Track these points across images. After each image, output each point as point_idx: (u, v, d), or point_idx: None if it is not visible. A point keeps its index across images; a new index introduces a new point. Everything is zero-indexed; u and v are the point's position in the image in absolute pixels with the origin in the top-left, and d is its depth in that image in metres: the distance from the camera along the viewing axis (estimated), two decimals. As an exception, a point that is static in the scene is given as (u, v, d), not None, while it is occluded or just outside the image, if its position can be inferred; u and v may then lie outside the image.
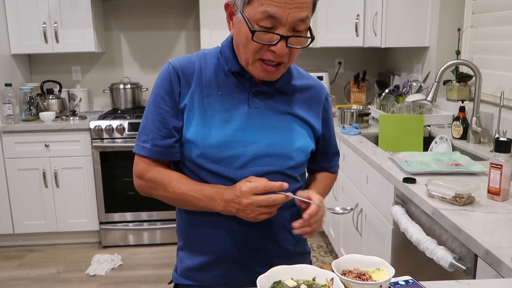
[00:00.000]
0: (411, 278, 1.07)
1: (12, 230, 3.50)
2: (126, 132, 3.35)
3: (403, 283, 1.04)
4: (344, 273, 1.01)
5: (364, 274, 0.99)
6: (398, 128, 2.68)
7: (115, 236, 3.53)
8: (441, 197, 1.57)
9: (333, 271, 0.98)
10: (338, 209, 1.11)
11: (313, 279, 1.01)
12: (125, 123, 3.36)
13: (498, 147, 1.53)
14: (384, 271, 1.02)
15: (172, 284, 1.28)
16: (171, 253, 3.41)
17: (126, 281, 3.06)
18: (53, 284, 3.03)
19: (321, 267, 1.04)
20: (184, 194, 1.09)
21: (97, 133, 3.33)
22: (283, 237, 1.18)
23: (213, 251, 1.17)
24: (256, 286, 0.95)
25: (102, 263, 3.28)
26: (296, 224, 1.06)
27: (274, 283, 0.99)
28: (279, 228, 1.17)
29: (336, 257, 3.24)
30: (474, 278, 1.34)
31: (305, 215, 1.06)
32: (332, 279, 0.98)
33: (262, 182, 1.03)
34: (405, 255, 1.90)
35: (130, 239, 3.55)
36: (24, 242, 3.59)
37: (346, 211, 1.12)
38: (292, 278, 1.00)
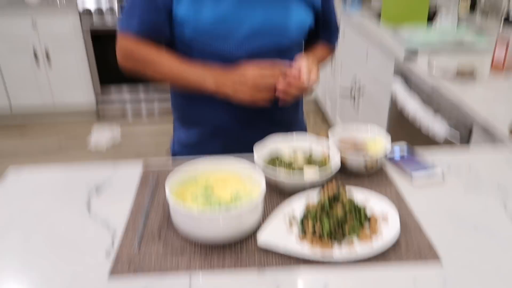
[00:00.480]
0: (406, 144, 1.08)
1: (9, 108, 3.51)
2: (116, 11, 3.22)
3: (398, 149, 1.06)
4: (340, 143, 1.02)
5: (360, 144, 1.00)
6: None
7: (114, 113, 3.57)
8: (443, 72, 1.54)
9: (329, 141, 0.99)
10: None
11: (310, 148, 1.02)
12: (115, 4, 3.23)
13: (506, 23, 1.46)
14: (381, 141, 1.03)
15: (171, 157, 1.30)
16: (170, 125, 3.46)
17: (127, 155, 3.15)
18: (55, 159, 3.13)
19: (317, 136, 1.04)
20: (175, 74, 1.04)
21: (86, 13, 3.21)
22: (280, 106, 1.17)
23: (209, 124, 1.17)
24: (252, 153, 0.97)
25: (103, 138, 3.35)
26: (280, 86, 1.01)
27: (272, 151, 1.00)
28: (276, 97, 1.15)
29: (332, 125, 3.30)
30: (468, 145, 1.37)
31: (288, 78, 1.01)
32: (328, 148, 0.99)
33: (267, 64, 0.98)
34: (401, 125, 1.92)
35: (129, 116, 3.60)
36: (22, 117, 3.63)
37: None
38: (289, 147, 1.01)
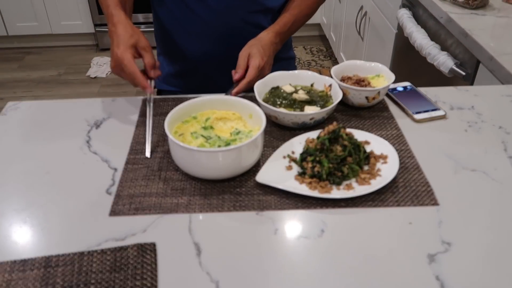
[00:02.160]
0: (410, 84, 1.06)
1: (5, 31, 3.41)
2: None
3: (401, 89, 1.04)
4: (343, 79, 0.99)
5: (363, 80, 0.97)
6: None
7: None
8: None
9: (332, 77, 0.97)
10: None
11: (311, 85, 1.00)
12: None
13: None
14: (384, 77, 1.00)
15: (156, 90, 1.28)
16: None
17: (127, 82, 3.10)
18: (55, 86, 3.09)
19: (319, 72, 1.01)
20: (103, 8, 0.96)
21: None
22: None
23: (192, 56, 1.13)
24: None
25: (102, 65, 3.28)
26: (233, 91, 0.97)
27: (272, 88, 0.98)
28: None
29: (335, 62, 3.23)
30: (471, 84, 1.33)
31: (234, 92, 0.96)
32: (330, 85, 0.96)
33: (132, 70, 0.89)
34: (405, 61, 1.87)
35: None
36: (20, 44, 3.53)
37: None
38: (290, 84, 0.99)
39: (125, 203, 0.73)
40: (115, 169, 0.80)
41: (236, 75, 0.97)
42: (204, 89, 1.05)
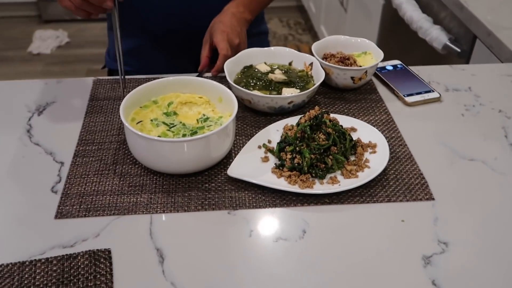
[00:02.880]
0: (400, 62, 1.06)
1: None
2: None
3: (391, 68, 1.04)
4: (325, 57, 0.98)
5: (348, 59, 0.96)
6: None
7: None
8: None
9: (312, 55, 0.96)
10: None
11: (290, 64, 0.98)
12: None
13: None
14: (371, 55, 1.00)
15: (106, 69, 1.25)
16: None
17: (76, 59, 3.03)
18: (-8, 64, 2.99)
19: (298, 49, 1.00)
20: None
21: None
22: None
23: (149, 31, 1.10)
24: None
25: (46, 40, 3.19)
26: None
27: (245, 68, 0.96)
28: (226, 2, 1.08)
29: (315, 36, 3.23)
30: (467, 63, 1.35)
31: (214, 72, 0.96)
32: (311, 64, 0.95)
33: None
34: (394, 37, 1.88)
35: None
36: None
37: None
38: (265, 63, 0.98)
39: (74, 203, 0.70)
40: (62, 163, 0.78)
41: (203, 58, 0.97)
42: (165, 70, 1.02)
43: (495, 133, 0.87)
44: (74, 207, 0.70)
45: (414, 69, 1.04)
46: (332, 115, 0.81)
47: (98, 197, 0.72)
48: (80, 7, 0.81)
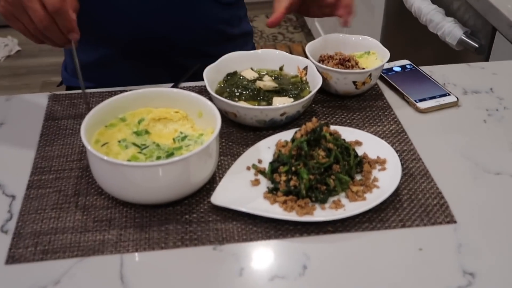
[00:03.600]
0: (409, 62, 1.06)
1: None
2: None
3: (399, 69, 1.04)
4: (322, 60, 0.99)
5: (349, 60, 0.97)
6: None
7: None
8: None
9: (307, 57, 0.96)
10: None
11: (280, 69, 0.98)
12: None
13: None
14: (376, 55, 1.00)
15: (63, 86, 1.24)
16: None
17: (28, 71, 3.03)
18: None
19: (290, 50, 1.01)
20: None
21: None
22: (210, 12, 1.10)
23: (115, 39, 1.10)
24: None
25: (-7, 49, 3.18)
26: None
27: (228, 75, 0.96)
28: (204, 1, 1.08)
29: (309, 35, 3.25)
30: (487, 60, 1.36)
31: None
32: (305, 68, 0.96)
33: None
34: (400, 32, 1.90)
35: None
36: None
37: None
38: (251, 68, 0.98)
39: (28, 244, 0.69)
40: (13, 197, 0.77)
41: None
42: (134, 82, 1.02)
43: (524, 141, 0.87)
44: (29, 249, 0.69)
45: (426, 69, 1.04)
46: (332, 128, 0.81)
47: (57, 236, 0.71)
48: (37, 35, 0.80)
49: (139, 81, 1.03)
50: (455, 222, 0.73)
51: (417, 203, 0.75)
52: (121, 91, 0.84)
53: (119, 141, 0.79)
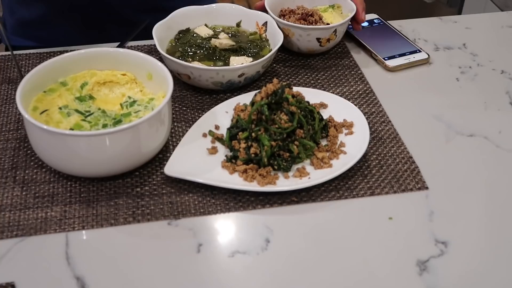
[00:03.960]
0: (377, 16, 1.06)
1: None
2: None
3: (366, 24, 1.04)
4: (283, 14, 0.98)
5: (312, 15, 0.96)
6: None
7: None
8: None
9: (266, 12, 0.95)
10: None
11: (238, 25, 0.97)
12: None
13: None
14: (341, 9, 1.00)
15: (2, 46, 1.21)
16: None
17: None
18: None
19: (248, 5, 1.00)
20: None
21: None
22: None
23: None
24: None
25: None
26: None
27: (180, 32, 0.95)
28: None
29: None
30: (460, 13, 1.37)
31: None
32: (265, 24, 0.95)
33: None
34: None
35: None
36: None
37: None
38: (206, 25, 0.97)
39: (-39, 224, 0.68)
40: None
41: None
42: (77, 39, 1.00)
43: (498, 100, 0.88)
44: (-38, 230, 0.67)
45: (395, 24, 1.05)
46: (295, 89, 0.81)
47: (-6, 214, 0.69)
48: None
49: (86, 40, 1.00)
50: (426, 188, 0.74)
51: (386, 169, 0.76)
52: (62, 52, 0.82)
53: (60, 108, 0.77)
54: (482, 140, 0.81)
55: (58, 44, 1.00)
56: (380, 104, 0.86)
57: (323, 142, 0.79)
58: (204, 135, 0.79)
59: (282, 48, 0.91)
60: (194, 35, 0.94)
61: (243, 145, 0.75)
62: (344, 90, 0.89)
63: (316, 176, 0.73)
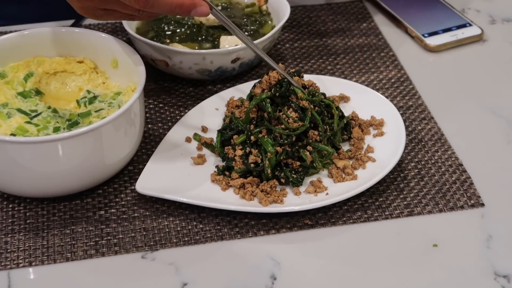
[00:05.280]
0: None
1: None
2: None
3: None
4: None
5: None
6: None
7: None
8: None
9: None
10: None
11: (230, 8, 0.97)
12: None
13: None
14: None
15: None
16: None
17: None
18: None
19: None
20: None
21: None
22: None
23: None
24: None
25: None
26: None
27: (156, 20, 0.95)
28: None
29: None
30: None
31: None
32: (266, -7, 0.95)
33: None
34: None
35: None
36: None
37: None
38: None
39: None
40: None
41: None
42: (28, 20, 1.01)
43: None
44: None
45: (438, -10, 1.05)
46: (307, 78, 0.81)
47: None
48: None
49: (36, 18, 1.02)
50: (482, 205, 0.74)
51: (429, 180, 0.76)
52: (3, 33, 0.82)
53: (1, 105, 0.77)
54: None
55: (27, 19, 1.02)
56: (420, 96, 0.87)
57: (345, 147, 0.79)
58: (188, 140, 0.80)
59: (289, 23, 0.92)
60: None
61: (239, 152, 0.75)
62: (372, 77, 0.89)
63: (336, 191, 0.73)
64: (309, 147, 0.76)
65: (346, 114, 0.81)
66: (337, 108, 0.80)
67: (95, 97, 0.79)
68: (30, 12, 1.12)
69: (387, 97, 0.84)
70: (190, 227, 0.72)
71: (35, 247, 0.70)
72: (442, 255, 0.70)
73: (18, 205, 0.74)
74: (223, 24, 0.76)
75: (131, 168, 0.77)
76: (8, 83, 0.80)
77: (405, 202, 0.74)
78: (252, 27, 0.92)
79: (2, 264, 0.68)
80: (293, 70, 0.78)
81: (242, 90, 0.84)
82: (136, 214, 0.73)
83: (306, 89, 0.78)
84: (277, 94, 0.76)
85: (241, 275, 0.68)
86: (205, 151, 0.79)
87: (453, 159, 0.79)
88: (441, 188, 0.76)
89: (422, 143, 0.81)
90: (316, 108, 0.77)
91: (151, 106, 0.85)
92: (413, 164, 0.78)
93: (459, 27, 0.97)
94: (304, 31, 0.97)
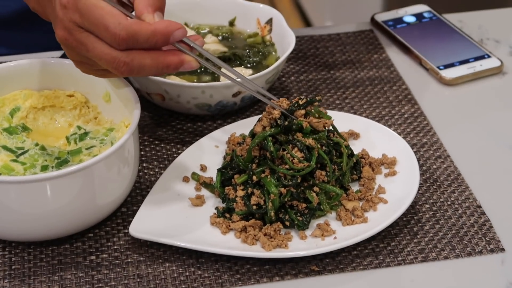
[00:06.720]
0: (428, 8, 1.07)
1: None
2: None
3: (412, 19, 1.04)
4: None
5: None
6: None
7: None
8: None
9: (274, 6, 0.96)
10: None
11: (231, 24, 0.98)
12: None
13: None
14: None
15: None
16: None
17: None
18: None
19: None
20: None
21: None
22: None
23: None
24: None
25: None
26: None
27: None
28: None
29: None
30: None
31: None
32: (270, 21, 0.96)
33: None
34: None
35: None
36: None
37: None
38: (186, 24, 0.97)
39: None
40: None
41: None
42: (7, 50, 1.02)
43: None
44: None
45: (453, 18, 1.05)
46: (316, 107, 0.81)
47: None
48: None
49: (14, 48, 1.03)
50: (502, 250, 0.74)
51: (444, 223, 0.77)
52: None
53: (-17, 144, 0.78)
54: None
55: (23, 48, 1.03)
56: (435, 132, 0.87)
57: (354, 187, 0.79)
58: (186, 179, 0.80)
59: (295, 55, 0.92)
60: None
61: (240, 192, 0.75)
62: (383, 113, 0.90)
63: (345, 235, 0.74)
64: (315, 188, 0.76)
65: (355, 152, 0.81)
66: (347, 146, 0.80)
67: (86, 134, 0.80)
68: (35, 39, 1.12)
69: (399, 134, 0.85)
70: (187, 273, 0.72)
71: (21, 297, 0.70)
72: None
73: (3, 249, 0.74)
74: (213, 70, 0.77)
75: (124, 210, 0.77)
76: (-6, 118, 0.80)
77: (419, 247, 0.74)
78: (255, 59, 0.93)
79: (-15, 314, 0.68)
80: (302, 102, 0.77)
81: (244, 126, 0.84)
82: (129, 260, 0.73)
83: (313, 124, 0.77)
84: (282, 130, 0.75)
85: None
86: (204, 192, 0.79)
87: (470, 200, 0.79)
88: (458, 232, 0.76)
89: (438, 183, 0.81)
90: (323, 146, 0.77)
91: (146, 143, 0.85)
92: (427, 205, 0.79)
93: (477, 58, 0.97)
94: (311, 63, 0.97)
